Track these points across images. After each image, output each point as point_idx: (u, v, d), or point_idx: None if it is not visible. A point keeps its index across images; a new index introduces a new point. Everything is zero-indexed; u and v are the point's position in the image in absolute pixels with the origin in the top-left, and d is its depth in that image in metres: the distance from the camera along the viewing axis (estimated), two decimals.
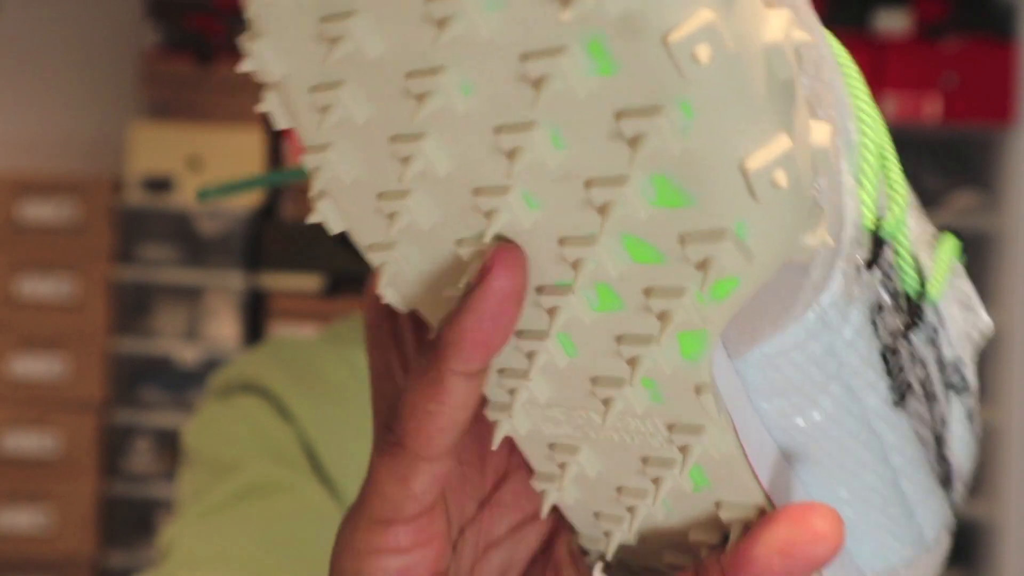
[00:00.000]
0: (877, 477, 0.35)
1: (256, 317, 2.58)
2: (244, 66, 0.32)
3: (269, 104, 0.33)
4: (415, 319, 0.37)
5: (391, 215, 0.32)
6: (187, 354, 2.57)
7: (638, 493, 0.34)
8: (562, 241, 0.30)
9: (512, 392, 0.34)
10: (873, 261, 0.32)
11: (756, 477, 0.33)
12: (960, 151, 2.47)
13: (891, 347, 0.33)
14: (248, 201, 2.54)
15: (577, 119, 0.28)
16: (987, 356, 2.36)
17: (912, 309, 0.34)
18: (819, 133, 0.29)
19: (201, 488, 0.67)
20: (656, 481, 0.33)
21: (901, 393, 0.34)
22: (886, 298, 0.33)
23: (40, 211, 2.57)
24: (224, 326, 2.57)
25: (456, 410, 0.32)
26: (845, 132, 0.32)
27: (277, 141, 2.58)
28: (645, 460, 0.33)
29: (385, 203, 0.32)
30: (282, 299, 2.54)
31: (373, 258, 0.34)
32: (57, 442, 2.55)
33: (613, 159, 0.28)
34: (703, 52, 0.26)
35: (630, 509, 0.35)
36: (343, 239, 0.80)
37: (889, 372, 0.33)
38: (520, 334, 0.33)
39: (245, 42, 0.32)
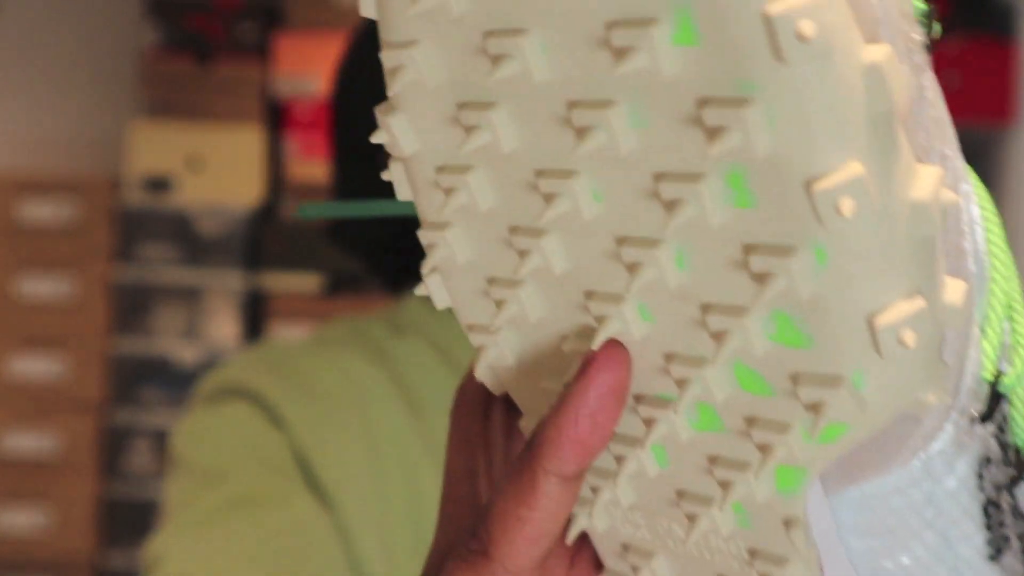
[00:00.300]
0: None
1: (256, 317, 2.58)
2: (375, 138, 0.32)
3: (393, 175, 0.33)
4: (507, 425, 0.35)
5: (499, 302, 0.32)
6: (187, 354, 2.57)
7: None
8: (669, 357, 0.30)
9: (595, 490, 0.33)
10: (988, 415, 0.31)
11: None
12: (960, 151, 2.46)
13: (994, 500, 0.32)
14: (248, 201, 2.54)
15: (705, 245, 0.28)
16: None
17: (1022, 464, 0.33)
18: (954, 292, 0.28)
19: (189, 496, 0.66)
20: None
21: (998, 547, 0.33)
22: (996, 451, 0.32)
23: (39, 211, 2.57)
24: (224, 326, 2.57)
25: (547, 517, 0.29)
26: (978, 282, 0.31)
27: (276, 141, 2.58)
28: None
29: (495, 289, 0.32)
30: (282, 299, 2.53)
31: (474, 339, 0.34)
32: (56, 442, 2.55)
33: (736, 290, 0.28)
34: (847, 205, 0.25)
35: None
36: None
37: (989, 526, 0.32)
38: (614, 436, 0.32)
39: (380, 115, 0.32)
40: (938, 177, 0.27)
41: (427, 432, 0.71)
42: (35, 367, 2.56)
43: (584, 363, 0.30)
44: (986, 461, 0.32)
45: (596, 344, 0.30)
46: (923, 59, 0.28)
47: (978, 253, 0.31)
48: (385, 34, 0.32)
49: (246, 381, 0.71)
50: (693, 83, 0.26)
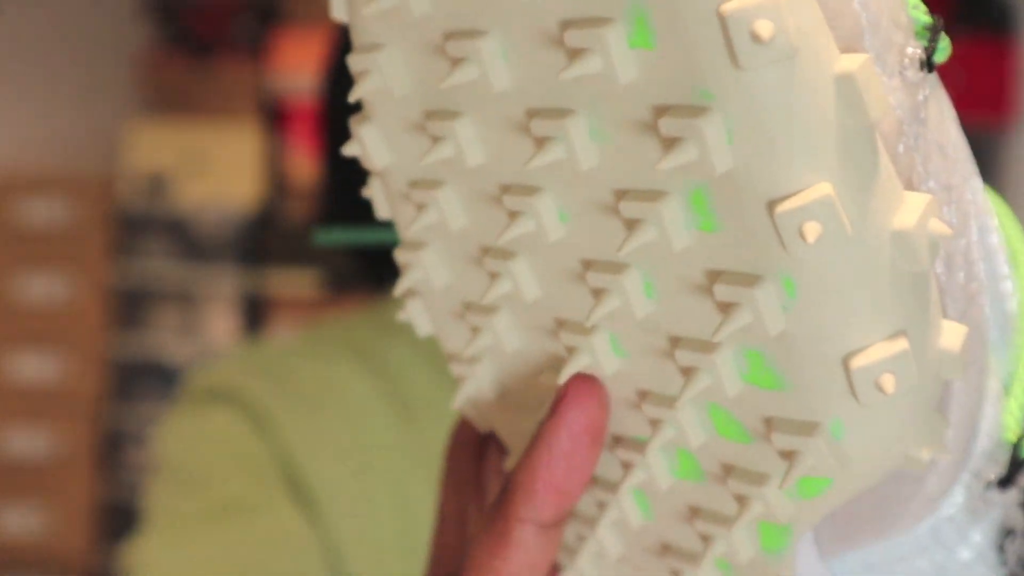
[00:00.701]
0: None
1: (255, 317, 2.57)
2: (347, 150, 0.31)
3: (372, 190, 0.32)
4: (502, 468, 0.33)
5: (475, 329, 0.31)
6: (185, 355, 2.56)
7: None
8: (643, 395, 0.28)
9: (580, 539, 0.31)
10: (1008, 480, 0.28)
11: None
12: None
13: None
14: (246, 199, 2.53)
15: (671, 272, 0.26)
16: None
17: None
18: (951, 336, 0.25)
19: (171, 502, 0.66)
20: None
21: None
22: (1022, 523, 0.29)
23: (35, 210, 2.56)
24: (221, 326, 2.56)
25: (524, 569, 0.27)
26: (1000, 331, 0.28)
27: (274, 139, 2.57)
28: None
29: (471, 316, 0.30)
30: (281, 300, 2.53)
31: (454, 369, 0.32)
32: (53, 443, 2.54)
33: (705, 323, 0.26)
34: (811, 230, 0.23)
35: None
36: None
37: None
38: (595, 480, 0.30)
39: (353, 125, 0.30)
40: (927, 205, 0.24)
41: (418, 439, 0.70)
42: (32, 367, 2.55)
43: (556, 400, 0.27)
44: (1008, 533, 0.29)
45: (563, 378, 0.28)
46: (921, 77, 0.26)
47: (1000, 298, 0.28)
48: (353, 37, 0.30)
49: (235, 384, 0.70)
50: (650, 90, 0.24)
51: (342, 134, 0.76)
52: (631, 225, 0.26)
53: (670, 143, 0.24)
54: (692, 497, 0.29)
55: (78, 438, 2.55)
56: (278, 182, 2.56)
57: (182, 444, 0.68)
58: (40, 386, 2.55)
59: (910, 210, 0.24)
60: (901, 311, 0.24)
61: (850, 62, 0.23)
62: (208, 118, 2.56)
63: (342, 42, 0.77)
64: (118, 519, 2.58)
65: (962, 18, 2.38)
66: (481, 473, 0.33)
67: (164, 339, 2.57)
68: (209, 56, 2.57)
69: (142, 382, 2.58)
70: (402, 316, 0.32)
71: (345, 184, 0.75)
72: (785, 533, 0.27)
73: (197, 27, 2.58)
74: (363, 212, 0.73)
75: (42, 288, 2.56)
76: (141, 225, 2.56)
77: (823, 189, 0.23)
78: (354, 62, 0.30)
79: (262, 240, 2.55)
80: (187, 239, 2.56)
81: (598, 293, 0.27)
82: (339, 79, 0.76)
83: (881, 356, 0.24)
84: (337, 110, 0.76)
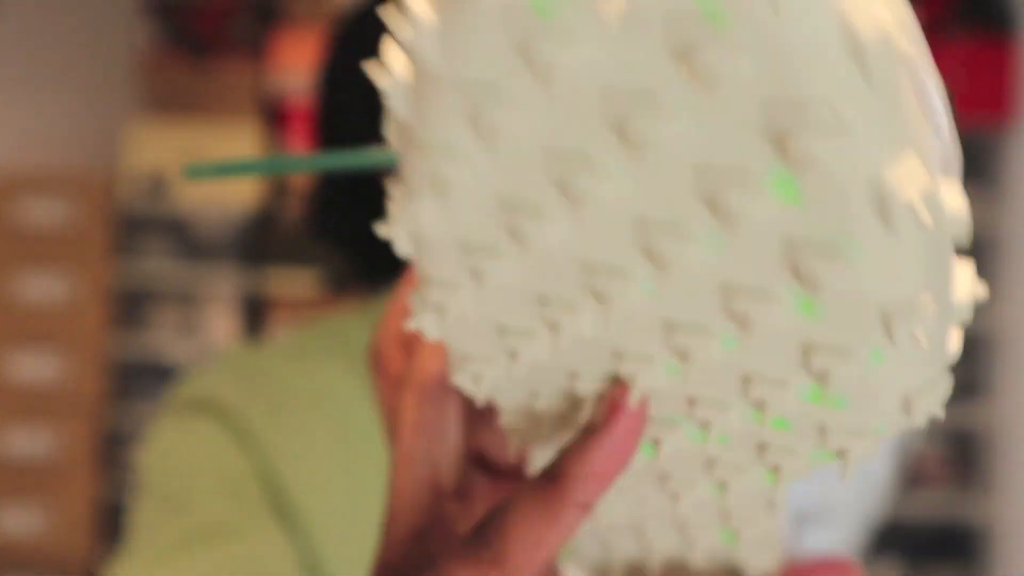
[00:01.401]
0: None
1: (255, 317, 2.57)
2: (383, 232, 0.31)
3: (395, 233, 0.31)
4: (466, 417, 0.37)
5: (512, 353, 0.32)
6: (184, 354, 2.56)
7: None
8: (693, 402, 0.31)
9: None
10: None
11: None
12: (960, 151, 2.46)
13: None
14: (246, 199, 2.53)
15: (766, 338, 0.28)
16: (984, 355, 2.35)
17: None
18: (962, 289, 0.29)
19: (153, 523, 0.66)
20: None
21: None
22: None
23: (36, 209, 2.56)
24: (221, 326, 2.56)
25: (563, 541, 0.32)
26: None
27: (274, 139, 2.57)
28: None
29: (508, 340, 0.32)
30: (280, 300, 2.52)
31: (470, 367, 0.34)
32: (53, 443, 2.54)
33: (782, 363, 0.28)
34: (908, 332, 0.26)
35: None
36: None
37: None
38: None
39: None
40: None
41: None
42: (32, 367, 2.55)
43: (609, 409, 0.32)
44: None
45: (634, 402, 0.31)
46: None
47: None
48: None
49: (218, 396, 0.70)
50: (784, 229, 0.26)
51: (340, 131, 0.75)
52: (740, 319, 0.28)
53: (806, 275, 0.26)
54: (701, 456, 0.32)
55: (78, 438, 2.55)
56: (278, 182, 2.56)
57: (164, 460, 0.68)
58: (40, 386, 2.55)
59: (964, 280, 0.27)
60: (930, 279, 0.27)
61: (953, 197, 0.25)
62: (208, 118, 2.56)
63: (338, 37, 0.77)
64: (118, 519, 2.58)
65: (962, 18, 2.38)
66: (442, 421, 0.36)
67: (164, 339, 2.57)
68: (209, 56, 2.57)
69: (142, 382, 2.58)
70: (411, 324, 0.33)
71: (342, 183, 0.75)
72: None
73: (197, 27, 2.58)
74: (355, 204, 0.73)
75: (42, 288, 2.56)
76: (141, 225, 2.56)
77: (926, 299, 0.26)
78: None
79: (262, 240, 2.55)
80: (187, 239, 2.56)
81: (683, 355, 0.30)
82: (335, 77, 0.76)
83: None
84: (336, 108, 0.76)
